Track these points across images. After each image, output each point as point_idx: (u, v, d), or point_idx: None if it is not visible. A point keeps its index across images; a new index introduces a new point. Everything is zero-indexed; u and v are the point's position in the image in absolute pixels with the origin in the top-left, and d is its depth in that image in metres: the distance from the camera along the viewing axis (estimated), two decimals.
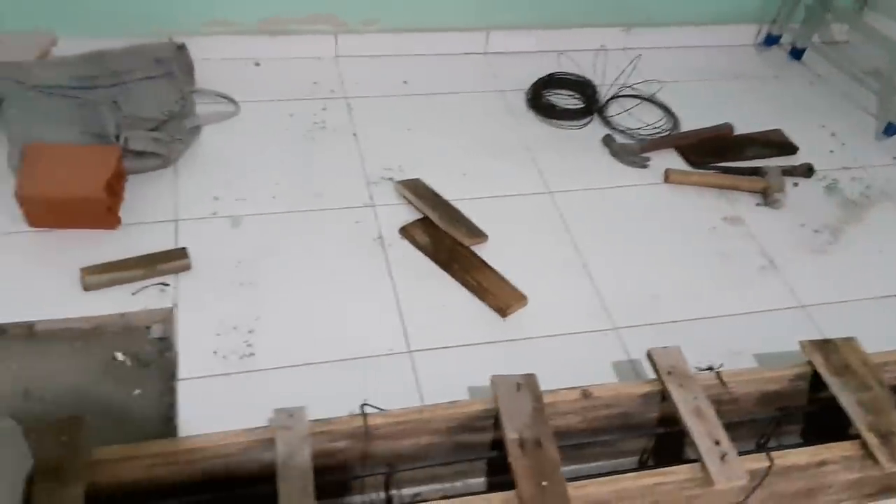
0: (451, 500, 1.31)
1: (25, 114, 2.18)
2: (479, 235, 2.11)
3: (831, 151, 2.64)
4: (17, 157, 2.06)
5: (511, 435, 1.40)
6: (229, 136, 2.38)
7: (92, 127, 2.17)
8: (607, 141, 2.50)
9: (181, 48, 2.51)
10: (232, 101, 2.48)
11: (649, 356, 1.59)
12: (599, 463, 1.64)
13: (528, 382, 1.48)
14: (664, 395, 1.55)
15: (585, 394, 1.50)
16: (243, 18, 2.60)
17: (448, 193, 2.24)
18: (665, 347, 1.59)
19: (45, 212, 1.95)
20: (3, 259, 1.92)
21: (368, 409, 1.45)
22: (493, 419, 1.49)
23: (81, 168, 1.97)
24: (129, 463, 1.34)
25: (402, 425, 1.44)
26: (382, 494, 1.52)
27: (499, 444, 1.52)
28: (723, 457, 1.40)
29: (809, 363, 1.64)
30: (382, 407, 1.47)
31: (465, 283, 2.00)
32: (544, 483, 1.32)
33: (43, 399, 1.70)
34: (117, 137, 2.13)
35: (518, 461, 1.36)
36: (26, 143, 2.04)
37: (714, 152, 2.52)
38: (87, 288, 1.87)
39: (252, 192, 2.20)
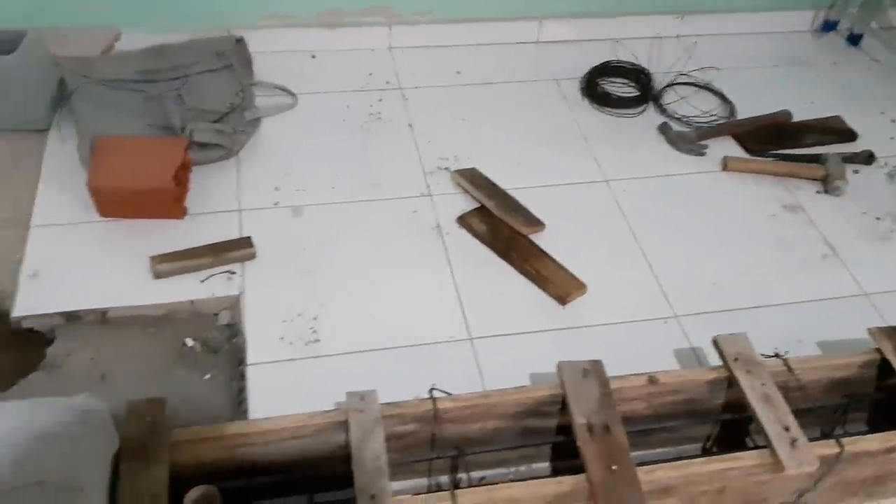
0: (525, 482, 1.33)
1: (94, 107, 2.25)
2: (537, 224, 2.12)
3: (892, 138, 2.60)
4: (86, 149, 2.13)
5: (579, 420, 1.41)
6: (288, 127, 2.42)
7: (158, 119, 2.23)
8: (663, 129, 2.49)
9: (240, 41, 2.56)
10: (290, 93, 2.52)
11: (715, 343, 1.58)
12: (663, 449, 1.65)
13: (594, 368, 1.49)
14: (730, 382, 1.55)
15: (652, 380, 1.51)
16: (300, 11, 2.64)
17: (504, 182, 2.25)
18: (732, 334, 1.59)
19: (115, 202, 2.01)
20: (75, 247, 1.99)
21: (437, 394, 1.47)
22: (560, 404, 1.51)
23: (150, 159, 2.02)
24: (209, 444, 1.38)
25: (469, 409, 1.46)
26: (449, 477, 1.54)
27: (564, 429, 1.53)
28: (793, 442, 1.40)
29: (878, 350, 1.63)
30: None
31: (523, 272, 2.02)
32: (614, 467, 1.34)
33: (119, 383, 1.75)
34: (182, 129, 2.18)
35: (587, 445, 1.37)
36: (95, 135, 2.10)
37: (772, 140, 2.50)
38: (157, 276, 1.93)
39: (312, 182, 2.24)
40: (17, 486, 1.11)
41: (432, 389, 1.48)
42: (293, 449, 1.44)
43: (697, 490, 1.41)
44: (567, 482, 1.34)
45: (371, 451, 1.33)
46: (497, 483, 1.39)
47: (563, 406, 1.50)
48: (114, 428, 1.29)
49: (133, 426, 1.32)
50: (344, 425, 1.42)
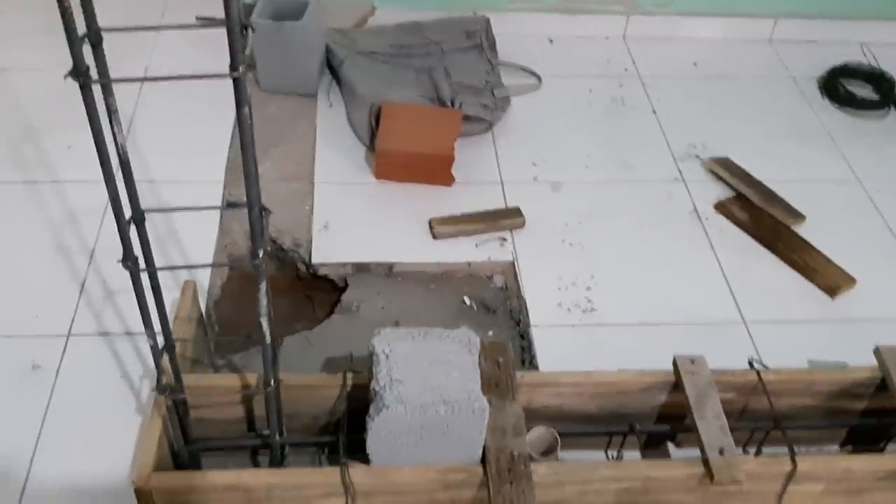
0: (862, 455, 1.36)
1: (365, 76, 2.38)
2: (798, 216, 2.14)
3: None
4: (364, 115, 2.26)
5: None
6: (536, 107, 2.50)
7: (427, 91, 2.35)
8: None
9: (487, 23, 2.66)
10: (535, 74, 2.60)
11: None
12: None
13: None
14: None
15: None
16: None
17: (756, 174, 2.27)
18: None
19: (396, 165, 2.13)
20: (356, 204, 2.12)
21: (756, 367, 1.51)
22: (874, 388, 1.52)
23: (431, 128, 2.14)
24: (545, 389, 1.46)
25: (791, 384, 1.50)
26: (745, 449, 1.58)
27: (871, 413, 1.55)
28: None
29: None
30: None
31: (789, 262, 2.03)
32: None
33: None
34: (452, 102, 2.29)
35: None
36: (377, 102, 2.22)
37: None
38: (436, 237, 2.04)
39: (566, 160, 2.31)
40: (426, 402, 1.21)
41: (751, 361, 1.52)
42: (610, 403, 1.50)
43: None
44: None
45: (711, 410, 1.38)
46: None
47: (878, 389, 1.52)
48: None
49: (488, 362, 1.41)
50: (668, 386, 1.48)
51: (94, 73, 0.84)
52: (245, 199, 0.96)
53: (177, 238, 1.97)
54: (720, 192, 2.24)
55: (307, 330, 1.87)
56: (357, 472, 1.29)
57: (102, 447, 1.55)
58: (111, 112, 0.88)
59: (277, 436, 1.35)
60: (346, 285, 1.97)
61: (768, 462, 1.36)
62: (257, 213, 0.95)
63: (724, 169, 2.25)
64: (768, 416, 1.50)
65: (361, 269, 1.99)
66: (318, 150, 2.28)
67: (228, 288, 2.00)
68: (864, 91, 2.65)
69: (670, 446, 1.64)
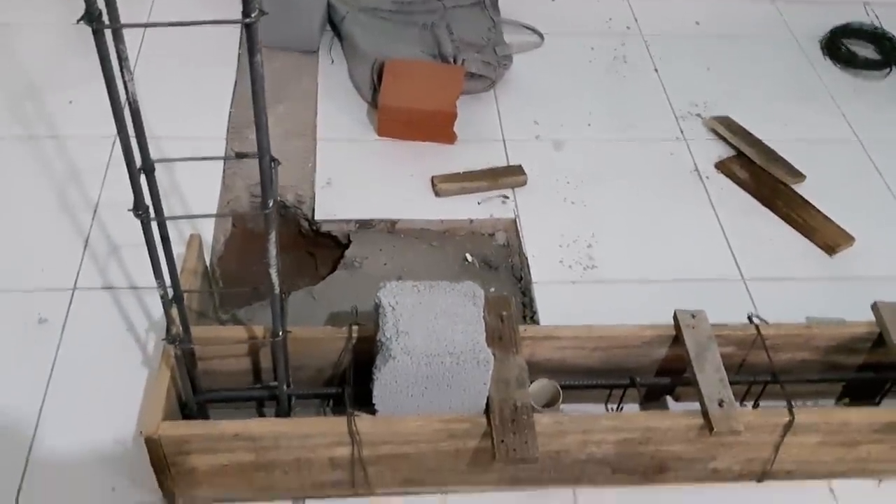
0: (859, 408, 1.39)
1: (367, 33, 2.36)
2: (798, 175, 2.15)
3: None
4: (366, 71, 2.25)
5: None
6: (537, 65, 2.49)
7: (430, 48, 2.33)
8: None
9: None
10: (537, 32, 2.59)
11: None
12: None
13: None
14: None
15: None
16: None
17: (757, 133, 2.27)
18: None
19: (398, 122, 2.13)
20: (358, 162, 2.12)
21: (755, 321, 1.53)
22: (872, 343, 1.55)
23: (434, 84, 2.13)
24: (548, 342, 1.48)
25: (789, 338, 1.52)
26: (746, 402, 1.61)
27: (867, 368, 1.58)
28: None
29: None
30: None
31: (789, 220, 2.05)
32: None
33: None
34: (455, 59, 2.28)
35: None
36: (380, 58, 2.21)
37: None
38: (439, 194, 2.04)
39: (568, 119, 2.31)
40: (431, 353, 1.23)
41: (751, 316, 1.54)
42: (617, 357, 1.53)
43: None
44: None
45: (711, 363, 1.41)
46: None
47: (875, 344, 1.54)
48: None
49: (491, 316, 1.43)
50: (668, 340, 1.50)
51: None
52: (250, 153, 0.97)
53: (180, 194, 1.97)
54: (721, 151, 2.24)
55: (310, 286, 1.89)
56: (363, 421, 1.31)
57: (109, 399, 1.57)
58: (122, 59, 0.88)
59: (285, 387, 1.36)
60: (349, 242, 1.98)
61: (767, 413, 1.39)
62: (267, 162, 0.96)
63: (725, 128, 2.25)
64: (767, 370, 1.53)
65: (364, 225, 2.00)
66: (320, 106, 2.27)
67: (231, 244, 2.01)
68: (865, 51, 2.64)
69: (669, 401, 1.67)
